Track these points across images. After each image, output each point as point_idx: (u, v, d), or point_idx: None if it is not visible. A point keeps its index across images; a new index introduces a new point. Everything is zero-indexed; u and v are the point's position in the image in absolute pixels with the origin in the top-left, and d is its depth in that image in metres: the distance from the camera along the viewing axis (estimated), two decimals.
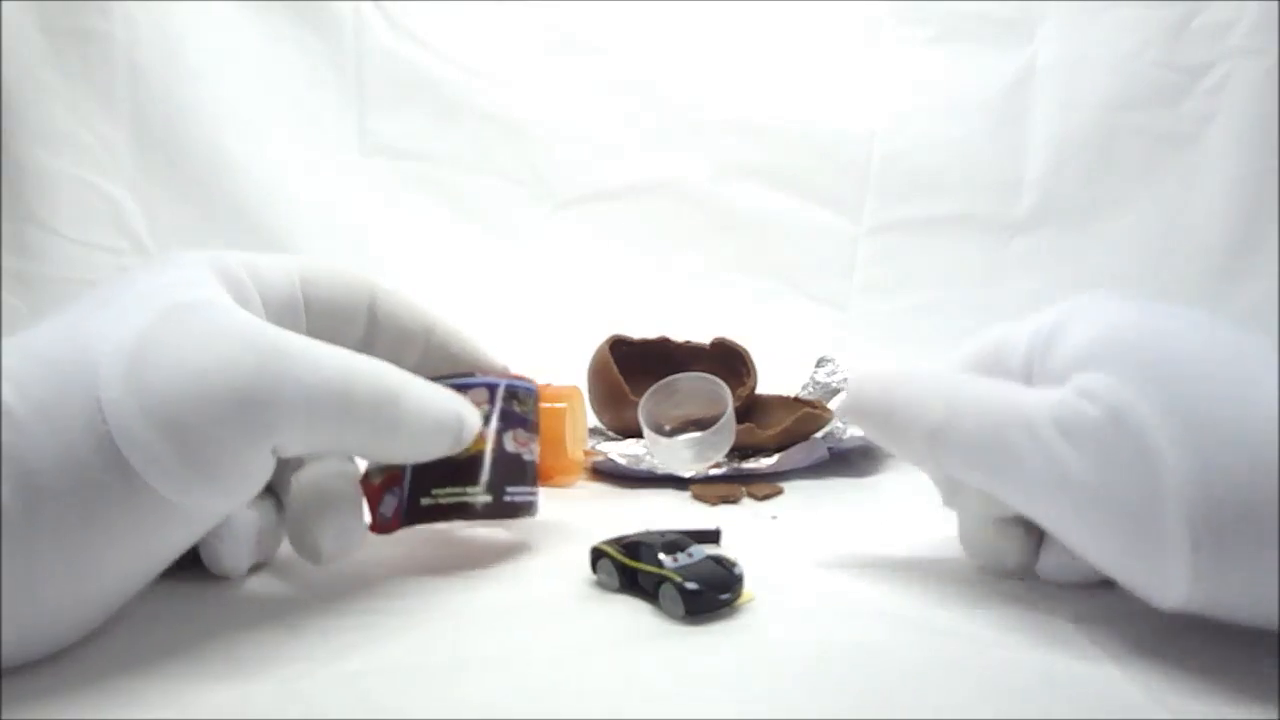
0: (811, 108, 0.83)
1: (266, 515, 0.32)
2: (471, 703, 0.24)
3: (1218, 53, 0.80)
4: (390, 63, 0.80)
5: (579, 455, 0.49)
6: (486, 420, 0.34)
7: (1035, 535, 0.32)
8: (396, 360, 0.30)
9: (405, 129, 0.81)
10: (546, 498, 0.35)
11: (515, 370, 0.37)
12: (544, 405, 0.40)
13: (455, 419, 0.31)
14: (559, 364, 0.54)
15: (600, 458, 0.51)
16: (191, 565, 0.31)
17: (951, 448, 0.29)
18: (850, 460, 0.53)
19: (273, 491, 0.33)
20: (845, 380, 0.59)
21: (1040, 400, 0.27)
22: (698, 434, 0.49)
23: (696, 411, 0.52)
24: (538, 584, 0.33)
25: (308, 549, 0.31)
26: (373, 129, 0.80)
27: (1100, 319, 0.27)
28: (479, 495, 0.33)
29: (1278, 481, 0.22)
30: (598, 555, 0.32)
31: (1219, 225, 0.80)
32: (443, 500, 0.33)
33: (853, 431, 0.52)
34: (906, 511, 0.43)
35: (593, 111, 0.82)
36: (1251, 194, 0.79)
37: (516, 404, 0.35)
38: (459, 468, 0.33)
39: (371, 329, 0.33)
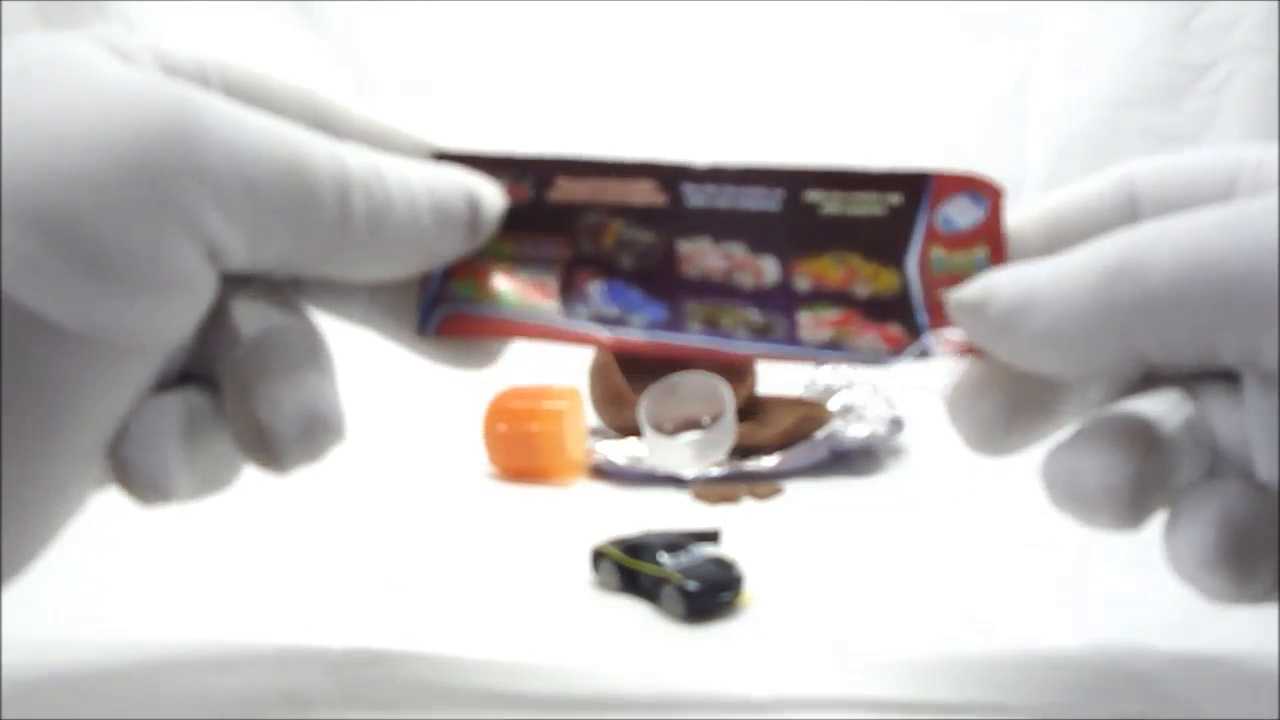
0: (812, 107, 0.83)
1: (199, 406, 0.20)
2: (470, 703, 0.24)
3: (1220, 51, 0.79)
4: (391, 63, 0.80)
5: (579, 455, 0.49)
6: None
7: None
8: None
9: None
10: (547, 497, 0.35)
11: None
12: (543, 405, 0.39)
13: (466, 198, 0.22)
14: (559, 363, 0.53)
15: (600, 458, 0.50)
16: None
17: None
18: (851, 460, 0.53)
19: (211, 382, 0.20)
20: (846, 380, 0.58)
21: None
22: (698, 434, 0.49)
23: (697, 411, 0.52)
24: (538, 584, 0.33)
25: (261, 434, 0.19)
26: None
27: None
28: None
29: None
30: (598, 555, 0.32)
31: None
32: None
33: (853, 432, 0.52)
34: (908, 512, 0.43)
35: (595, 110, 0.82)
36: None
37: None
38: None
39: None
